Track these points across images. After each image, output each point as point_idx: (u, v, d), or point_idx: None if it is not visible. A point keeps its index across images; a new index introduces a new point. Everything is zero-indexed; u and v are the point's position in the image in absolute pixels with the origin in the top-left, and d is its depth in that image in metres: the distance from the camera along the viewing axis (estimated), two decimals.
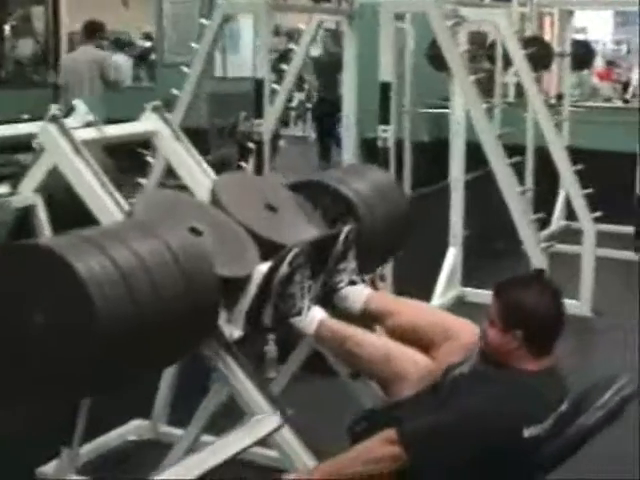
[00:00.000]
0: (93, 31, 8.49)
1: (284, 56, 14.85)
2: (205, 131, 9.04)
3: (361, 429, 2.80)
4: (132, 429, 3.90)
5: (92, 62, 8.29)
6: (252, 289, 2.88)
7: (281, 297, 2.88)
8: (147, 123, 3.47)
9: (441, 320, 3.05)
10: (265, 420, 2.78)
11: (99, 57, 8.42)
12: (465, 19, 4.84)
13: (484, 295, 2.90)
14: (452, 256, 5.64)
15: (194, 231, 2.89)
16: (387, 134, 4.71)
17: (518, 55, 5.40)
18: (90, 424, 3.40)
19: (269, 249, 2.97)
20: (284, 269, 2.87)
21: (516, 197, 4.87)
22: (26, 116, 4.45)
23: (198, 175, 3.36)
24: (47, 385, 2.44)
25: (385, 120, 4.71)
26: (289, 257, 2.87)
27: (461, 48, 4.83)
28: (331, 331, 2.95)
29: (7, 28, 11.53)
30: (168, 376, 3.75)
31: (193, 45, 5.26)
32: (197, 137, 3.58)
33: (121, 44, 13.90)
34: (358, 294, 3.13)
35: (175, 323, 2.53)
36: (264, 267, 2.90)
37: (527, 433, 2.55)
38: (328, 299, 3.13)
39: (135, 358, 2.48)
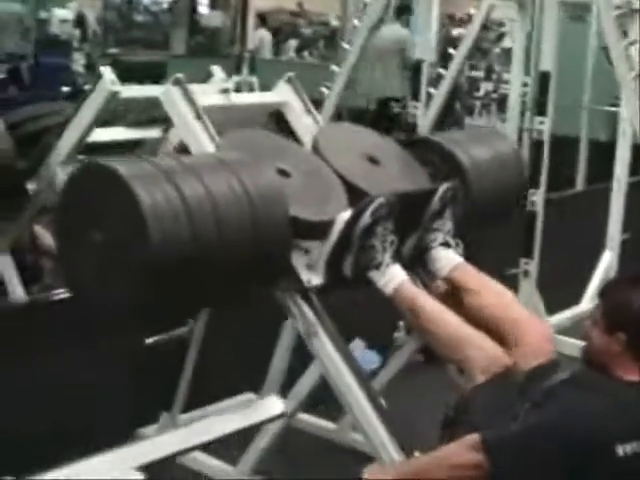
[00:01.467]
0: None
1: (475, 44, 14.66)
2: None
3: (447, 428, 2.68)
4: (242, 402, 3.87)
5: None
6: (333, 236, 2.83)
7: (362, 248, 2.81)
8: (278, 93, 3.44)
9: (516, 316, 2.87)
10: (269, 405, 2.77)
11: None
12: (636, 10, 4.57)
13: None
14: (607, 260, 5.38)
15: (282, 172, 2.87)
16: (543, 126, 4.52)
17: None
18: (199, 394, 3.44)
19: (360, 199, 2.89)
20: (366, 219, 2.80)
21: None
22: None
23: None
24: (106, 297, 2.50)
25: (542, 112, 4.53)
26: (372, 207, 2.80)
27: (627, 41, 4.57)
28: (408, 298, 2.84)
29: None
30: (281, 351, 3.71)
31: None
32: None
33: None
34: (448, 259, 3.00)
35: (237, 262, 2.52)
36: (346, 214, 2.84)
37: (621, 451, 2.37)
38: (420, 258, 3.02)
39: (191, 293, 2.49)
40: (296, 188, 2.84)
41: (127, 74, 3.67)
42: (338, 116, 5.98)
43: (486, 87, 13.54)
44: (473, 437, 2.45)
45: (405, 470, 2.62)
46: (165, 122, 3.56)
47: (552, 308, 5.02)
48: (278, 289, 2.81)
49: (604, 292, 2.61)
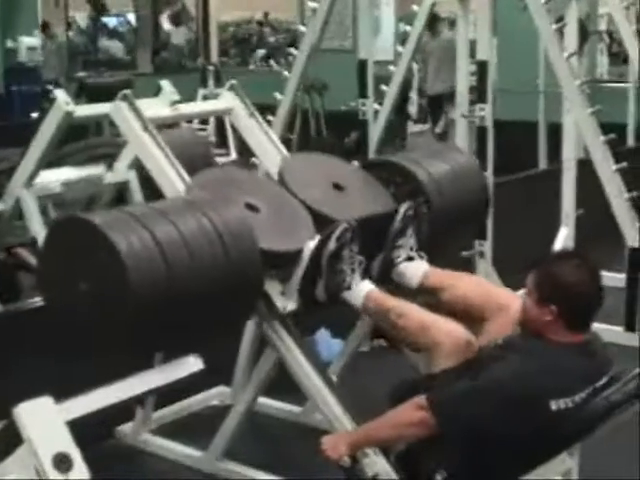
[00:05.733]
0: None
1: None
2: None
3: (398, 397, 2.87)
4: (215, 395, 4.08)
5: None
6: (303, 263, 3.00)
7: (331, 272, 2.98)
8: (223, 101, 3.62)
9: (493, 295, 3.08)
10: (189, 363, 2.89)
11: None
12: None
13: None
14: (563, 235, 5.53)
15: (251, 207, 3.03)
16: (484, 112, 4.70)
17: None
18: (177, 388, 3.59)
19: (327, 225, 3.06)
20: (332, 245, 2.97)
21: (610, 175, 4.80)
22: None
23: (271, 152, 3.48)
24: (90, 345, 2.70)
25: (482, 99, 4.71)
26: (337, 233, 2.97)
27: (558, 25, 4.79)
28: (376, 303, 3.02)
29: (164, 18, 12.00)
30: (246, 345, 3.90)
31: None
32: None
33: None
34: (415, 270, 3.20)
35: (213, 294, 2.69)
36: (313, 242, 3.00)
37: (555, 406, 2.57)
38: (387, 274, 3.21)
39: (170, 326, 2.65)
40: (265, 221, 3.00)
41: (94, 96, 3.88)
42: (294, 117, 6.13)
43: None
44: (420, 398, 2.66)
45: (358, 433, 2.83)
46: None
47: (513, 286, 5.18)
48: (256, 317, 3.01)
49: (536, 265, 2.75)
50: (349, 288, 3.02)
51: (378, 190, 3.41)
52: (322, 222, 3.09)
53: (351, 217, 3.06)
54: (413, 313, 2.98)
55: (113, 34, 14.74)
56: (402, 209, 3.19)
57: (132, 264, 2.51)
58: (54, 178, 3.92)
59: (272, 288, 2.99)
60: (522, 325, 2.79)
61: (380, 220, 3.19)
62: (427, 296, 3.17)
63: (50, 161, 3.85)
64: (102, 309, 2.60)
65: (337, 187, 3.33)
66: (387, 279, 3.21)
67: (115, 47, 14.40)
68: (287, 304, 3.00)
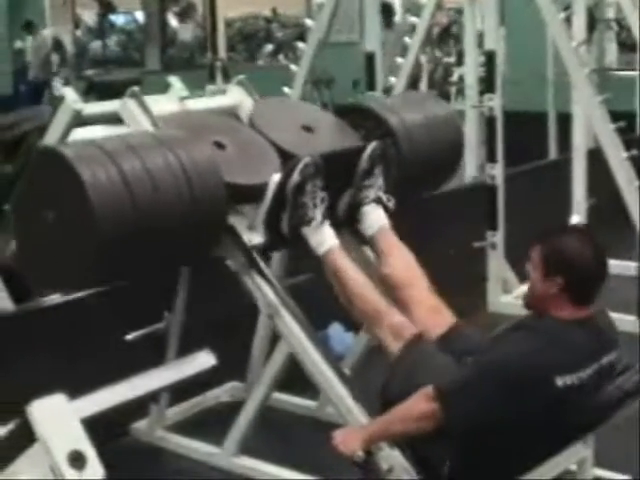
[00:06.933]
0: None
1: (447, 30, 14.84)
2: None
3: (387, 400, 2.85)
4: (227, 390, 4.08)
5: None
6: (268, 196, 3.08)
7: (294, 205, 3.05)
8: (231, 96, 3.62)
9: (410, 295, 3.09)
10: (201, 358, 2.99)
11: None
12: None
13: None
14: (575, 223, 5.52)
15: (218, 145, 3.15)
16: (492, 102, 4.71)
17: None
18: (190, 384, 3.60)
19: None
20: (295, 178, 3.04)
21: (620, 163, 4.79)
22: None
23: None
24: (58, 275, 2.78)
25: (490, 89, 4.71)
26: (299, 166, 3.04)
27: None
28: (335, 267, 3.06)
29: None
30: (258, 340, 3.91)
31: None
32: None
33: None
34: (375, 220, 3.23)
35: (178, 228, 2.79)
36: (278, 176, 3.09)
37: (560, 382, 2.56)
38: (354, 213, 3.24)
39: (135, 257, 2.77)
40: (231, 157, 3.11)
41: (103, 93, 3.87)
42: None
43: (459, 72, 13.77)
44: (427, 388, 2.63)
45: (370, 428, 2.81)
46: None
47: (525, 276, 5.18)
48: (223, 252, 3.05)
49: (541, 239, 2.74)
50: (309, 223, 3.07)
51: (347, 131, 3.50)
52: (288, 159, 3.16)
53: (315, 152, 3.12)
54: (366, 297, 3.03)
55: (121, 32, 14.75)
56: (369, 147, 3.23)
57: (96, 196, 2.61)
58: None
59: (239, 223, 3.07)
60: (527, 304, 2.79)
61: (346, 157, 3.24)
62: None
63: None
64: (68, 240, 2.70)
65: (306, 129, 3.43)
66: (351, 219, 3.24)
67: (123, 44, 14.39)
68: (253, 237, 3.08)
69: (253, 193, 3.09)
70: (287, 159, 3.17)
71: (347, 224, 3.22)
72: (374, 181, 3.23)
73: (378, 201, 3.24)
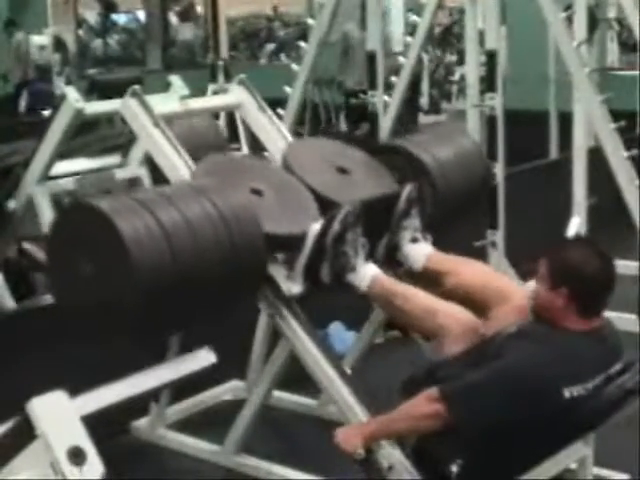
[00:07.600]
0: None
1: (448, 29, 14.86)
2: None
3: (408, 392, 2.87)
4: (229, 389, 4.09)
5: None
6: (307, 246, 3.02)
7: (335, 254, 3.00)
8: (232, 95, 3.62)
9: (496, 283, 3.07)
10: (200, 356, 2.95)
11: None
12: None
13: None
14: (575, 225, 5.53)
15: (256, 192, 3.06)
16: (493, 102, 4.70)
17: None
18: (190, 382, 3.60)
19: (332, 208, 3.08)
20: (335, 227, 2.99)
21: (621, 163, 4.79)
22: None
23: (280, 145, 3.47)
24: (97, 328, 2.72)
25: (491, 88, 4.71)
26: (340, 216, 2.99)
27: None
28: (382, 287, 3.03)
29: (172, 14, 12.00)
30: (259, 339, 3.91)
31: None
32: None
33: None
34: (419, 253, 3.20)
35: (217, 278, 2.71)
36: (317, 225, 3.03)
37: (568, 393, 2.57)
38: (392, 256, 3.22)
39: (174, 311, 2.67)
40: (269, 205, 3.03)
41: (105, 93, 3.89)
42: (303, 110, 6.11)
43: (461, 71, 13.79)
44: (432, 390, 2.65)
45: (371, 426, 2.82)
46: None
47: (525, 276, 5.18)
48: (262, 301, 3.02)
49: (549, 251, 2.76)
50: (353, 270, 3.03)
51: (382, 173, 3.44)
52: (326, 205, 3.12)
53: (355, 200, 3.08)
54: (419, 298, 2.99)
55: (123, 31, 14.77)
56: (406, 190, 3.21)
57: (136, 249, 2.54)
58: (67, 169, 3.93)
59: (277, 272, 3.02)
60: (534, 313, 2.79)
61: (384, 202, 3.22)
62: (429, 281, 3.16)
63: (62, 153, 3.86)
64: (107, 295, 2.62)
65: (341, 171, 3.36)
66: (392, 261, 3.22)
67: (125, 44, 14.38)
68: (292, 287, 3.03)
69: (292, 242, 3.03)
70: (325, 204, 3.12)
71: (386, 266, 3.16)
72: (411, 222, 3.21)
73: (415, 241, 3.22)
